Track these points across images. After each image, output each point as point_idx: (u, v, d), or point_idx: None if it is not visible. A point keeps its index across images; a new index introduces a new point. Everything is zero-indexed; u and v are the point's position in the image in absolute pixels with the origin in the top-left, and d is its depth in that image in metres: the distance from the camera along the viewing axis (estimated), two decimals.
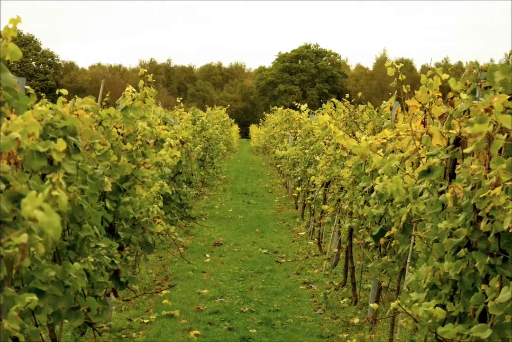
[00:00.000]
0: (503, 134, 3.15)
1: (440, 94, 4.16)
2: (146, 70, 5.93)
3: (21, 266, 2.28)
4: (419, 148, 4.28)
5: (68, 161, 3.60)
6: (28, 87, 3.63)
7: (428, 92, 4.15)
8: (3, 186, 2.67)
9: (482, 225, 3.18)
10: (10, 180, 2.70)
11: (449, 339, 3.11)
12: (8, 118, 2.98)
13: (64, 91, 4.55)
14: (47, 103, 4.16)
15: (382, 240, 5.68)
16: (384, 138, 5.02)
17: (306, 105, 10.10)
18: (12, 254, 2.35)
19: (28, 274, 3.30)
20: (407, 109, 4.36)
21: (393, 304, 3.41)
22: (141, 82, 5.76)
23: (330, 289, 8.45)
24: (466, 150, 3.32)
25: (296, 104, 11.77)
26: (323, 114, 5.80)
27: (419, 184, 4.22)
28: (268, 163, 31.38)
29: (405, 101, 4.39)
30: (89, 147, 4.35)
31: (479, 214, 3.22)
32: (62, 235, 4.01)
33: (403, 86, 4.38)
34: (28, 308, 2.68)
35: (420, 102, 4.20)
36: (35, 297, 2.65)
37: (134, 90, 5.59)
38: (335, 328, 6.90)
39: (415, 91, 4.23)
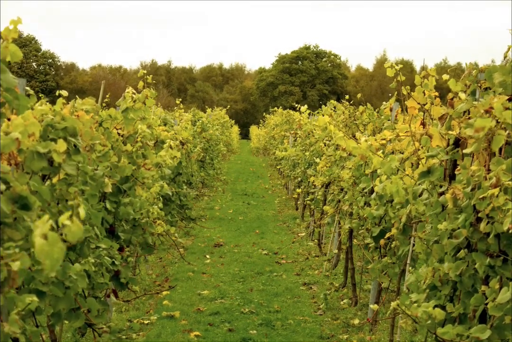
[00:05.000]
0: (505, 130, 3.14)
1: (436, 94, 4.17)
2: (145, 71, 5.94)
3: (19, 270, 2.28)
4: (419, 149, 4.28)
5: (69, 162, 3.61)
6: (28, 88, 3.64)
7: (424, 93, 4.16)
8: (3, 187, 2.67)
9: (482, 226, 3.18)
10: (11, 180, 2.71)
11: (449, 340, 3.12)
12: (9, 119, 2.99)
13: (64, 93, 4.55)
14: (47, 102, 4.16)
15: (382, 241, 5.69)
16: (384, 139, 5.02)
17: (306, 106, 10.10)
18: (12, 254, 2.36)
19: (29, 275, 3.30)
20: (407, 110, 4.36)
21: (393, 305, 3.41)
22: (141, 83, 5.77)
23: (330, 290, 8.45)
24: (466, 151, 3.32)
25: (296, 105, 11.77)
26: (323, 116, 5.81)
27: (418, 185, 4.22)
28: (268, 164, 31.37)
29: (405, 102, 4.39)
30: (90, 148, 4.36)
31: (479, 215, 3.22)
32: None
33: (403, 87, 4.39)
34: (29, 309, 2.68)
35: (419, 103, 4.21)
36: (35, 298, 2.65)
37: (134, 91, 5.60)
38: (335, 329, 6.91)
39: (412, 93, 4.23)
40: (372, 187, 6.05)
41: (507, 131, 3.13)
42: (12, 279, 2.20)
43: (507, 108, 3.09)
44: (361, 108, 8.52)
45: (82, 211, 2.15)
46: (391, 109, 6.42)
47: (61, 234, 1.99)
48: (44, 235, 1.89)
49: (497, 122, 3.11)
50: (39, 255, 1.89)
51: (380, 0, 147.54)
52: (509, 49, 3.59)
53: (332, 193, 8.61)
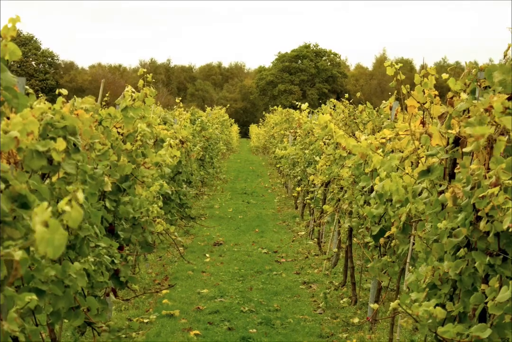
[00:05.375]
0: (504, 135, 3.15)
1: (436, 93, 4.16)
2: (145, 70, 5.93)
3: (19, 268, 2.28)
4: (418, 148, 4.28)
5: (68, 161, 3.61)
6: (27, 87, 3.63)
7: (424, 91, 4.16)
8: (2, 186, 2.67)
9: (482, 224, 3.18)
10: (10, 179, 2.70)
11: (449, 339, 3.11)
12: (8, 118, 2.98)
13: (64, 91, 4.55)
14: (46, 101, 4.16)
15: (381, 240, 5.69)
16: (384, 138, 5.02)
17: (307, 104, 10.09)
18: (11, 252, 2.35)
19: (28, 274, 3.30)
20: (406, 109, 4.36)
21: (393, 304, 3.41)
22: (141, 82, 5.76)
23: (330, 288, 8.45)
24: (466, 150, 3.32)
25: (297, 103, 11.76)
26: (323, 114, 5.81)
27: (418, 183, 4.22)
28: (267, 163, 31.38)
29: (405, 101, 4.39)
30: (89, 147, 4.36)
31: (479, 213, 3.22)
32: None
33: (403, 86, 4.38)
34: (28, 307, 2.68)
35: (419, 102, 4.21)
36: (34, 297, 2.65)
37: (134, 90, 5.59)
38: (335, 328, 6.90)
39: (412, 92, 4.23)
40: (371, 186, 6.05)
41: (507, 137, 3.14)
42: (14, 269, 2.19)
43: (506, 108, 3.09)
44: (360, 107, 8.51)
45: (80, 195, 2.13)
46: (390, 108, 6.42)
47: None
48: (45, 222, 1.87)
49: (496, 128, 3.12)
50: (40, 243, 1.88)
51: (380, 0, 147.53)
52: (509, 47, 3.58)
53: (332, 192, 8.61)
